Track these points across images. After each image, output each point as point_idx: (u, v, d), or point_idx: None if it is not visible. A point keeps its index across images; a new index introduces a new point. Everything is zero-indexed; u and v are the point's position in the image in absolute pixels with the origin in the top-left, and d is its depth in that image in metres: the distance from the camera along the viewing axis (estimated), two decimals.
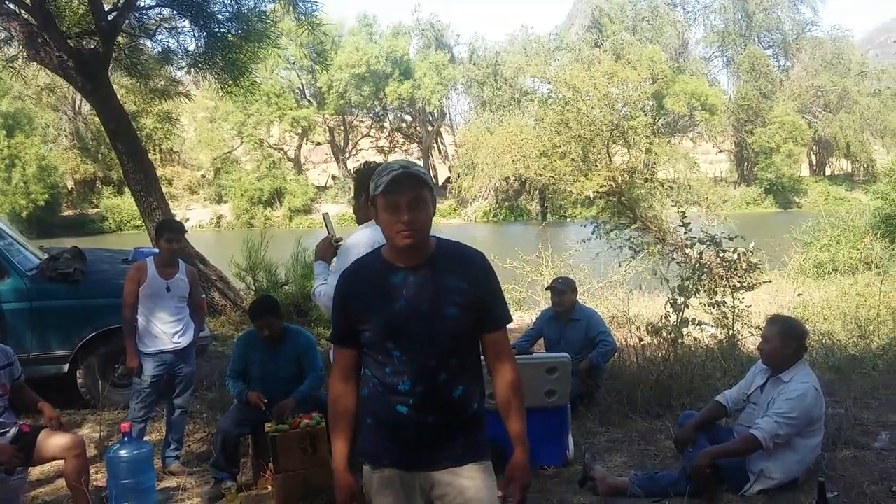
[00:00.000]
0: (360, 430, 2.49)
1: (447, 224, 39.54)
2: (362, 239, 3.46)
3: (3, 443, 4.15)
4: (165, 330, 5.15)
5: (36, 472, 4.92)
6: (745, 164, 47.96)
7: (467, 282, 2.38)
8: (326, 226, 3.91)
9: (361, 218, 3.69)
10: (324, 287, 3.52)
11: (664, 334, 6.45)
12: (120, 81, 13.57)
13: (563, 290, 6.21)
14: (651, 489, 4.22)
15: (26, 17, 9.10)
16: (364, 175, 3.61)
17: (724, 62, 53.21)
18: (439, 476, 2.38)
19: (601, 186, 14.45)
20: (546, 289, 6.35)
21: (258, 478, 4.73)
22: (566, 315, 6.18)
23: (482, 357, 2.50)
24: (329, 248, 3.76)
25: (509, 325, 2.53)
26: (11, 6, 9.07)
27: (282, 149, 46.08)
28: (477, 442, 2.44)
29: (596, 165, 14.92)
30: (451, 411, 2.39)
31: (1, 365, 4.30)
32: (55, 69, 9.43)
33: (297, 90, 45.54)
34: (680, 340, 6.45)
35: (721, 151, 49.89)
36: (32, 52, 9.25)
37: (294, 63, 43.71)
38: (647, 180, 15.86)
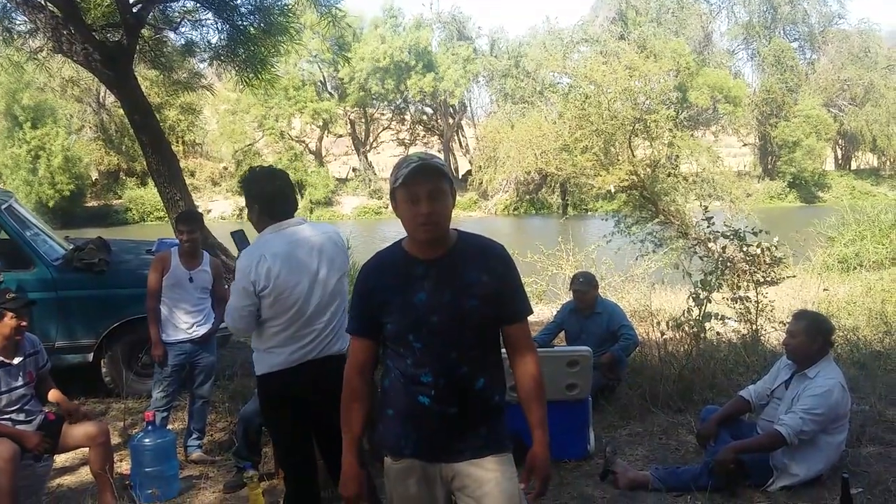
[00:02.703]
0: (382, 421, 2.51)
1: (468, 217, 39.51)
2: (250, 255, 3.32)
3: (30, 430, 4.21)
4: (187, 320, 5.20)
5: (60, 459, 4.98)
6: (769, 157, 47.46)
7: (488, 274, 2.38)
8: (237, 244, 3.69)
9: (257, 227, 3.49)
10: (227, 308, 3.39)
11: (686, 328, 6.40)
12: (144, 73, 13.62)
13: (585, 289, 6.15)
14: (673, 483, 4.21)
15: (52, 9, 9.18)
16: (249, 181, 3.50)
17: (748, 55, 52.60)
18: (460, 467, 2.39)
19: (623, 181, 14.36)
20: (575, 290, 6.25)
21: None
22: (588, 309, 6.15)
23: (503, 349, 2.50)
24: None
25: (530, 318, 2.52)
26: None
27: (303, 141, 46.21)
28: (498, 434, 2.44)
29: (618, 159, 14.83)
30: (473, 403, 2.39)
31: (27, 353, 4.36)
32: (81, 61, 9.49)
33: (318, 83, 45.64)
34: (702, 335, 6.39)
35: (745, 145, 49.41)
36: (58, 45, 9.33)
37: (316, 56, 43.79)
38: (669, 174, 15.74)
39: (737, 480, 4.10)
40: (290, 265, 3.30)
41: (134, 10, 9.41)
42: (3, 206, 6.65)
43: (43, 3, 9.16)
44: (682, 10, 48.47)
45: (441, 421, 2.37)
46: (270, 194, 3.41)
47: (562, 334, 6.49)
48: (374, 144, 48.67)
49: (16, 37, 10.49)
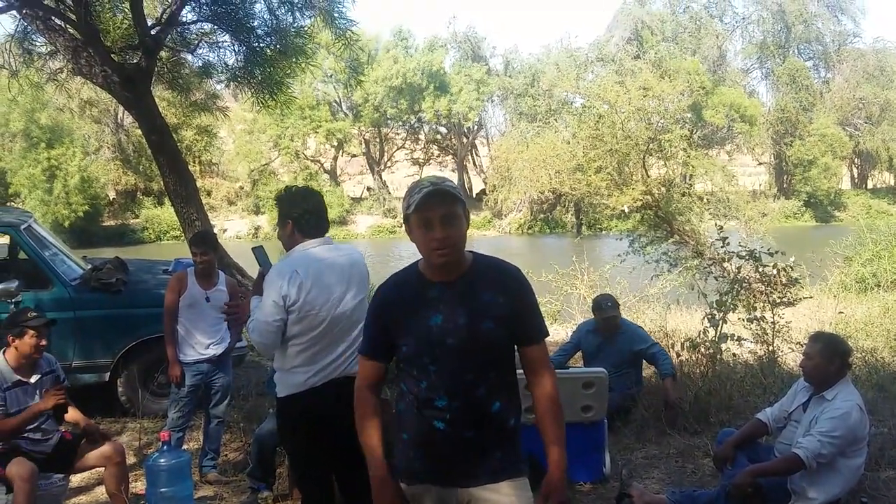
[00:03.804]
0: (396, 446, 2.51)
1: (482, 236, 39.51)
2: (282, 269, 3.36)
3: (46, 447, 4.23)
4: (203, 340, 5.22)
5: (76, 479, 5.00)
6: (785, 176, 47.29)
7: (503, 295, 2.38)
8: (258, 260, 3.71)
9: (287, 244, 3.51)
10: (251, 323, 3.40)
11: (702, 350, 6.37)
12: (161, 94, 13.79)
13: (614, 314, 6.05)
14: None
15: (72, 32, 9.32)
16: (285, 198, 3.52)
17: (762, 74, 52.56)
18: (476, 492, 2.38)
19: (637, 201, 14.33)
20: (605, 318, 6.10)
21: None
22: (612, 331, 6.05)
23: (521, 371, 2.50)
24: (263, 283, 3.59)
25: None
26: (57, 21, 9.29)
27: (318, 161, 46.48)
28: (514, 457, 2.43)
29: (632, 179, 14.81)
30: (489, 426, 2.39)
31: (44, 372, 4.39)
32: (100, 83, 9.63)
33: (333, 102, 45.95)
34: (718, 356, 6.36)
35: (760, 164, 49.24)
36: (77, 66, 9.47)
37: (331, 76, 44.14)
38: (684, 194, 15.69)
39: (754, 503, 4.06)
40: (321, 283, 3.35)
41: (152, 32, 9.55)
42: (23, 227, 6.72)
43: (63, 25, 9.31)
44: (699, 29, 48.51)
45: (456, 445, 2.37)
46: (305, 212, 3.46)
47: (576, 354, 6.45)
48: (389, 164, 48.87)
49: (35, 58, 10.67)
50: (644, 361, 6.18)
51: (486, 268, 2.43)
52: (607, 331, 6.05)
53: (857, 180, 52.26)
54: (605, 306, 6.06)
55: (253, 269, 3.74)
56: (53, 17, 9.24)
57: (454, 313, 2.35)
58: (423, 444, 2.41)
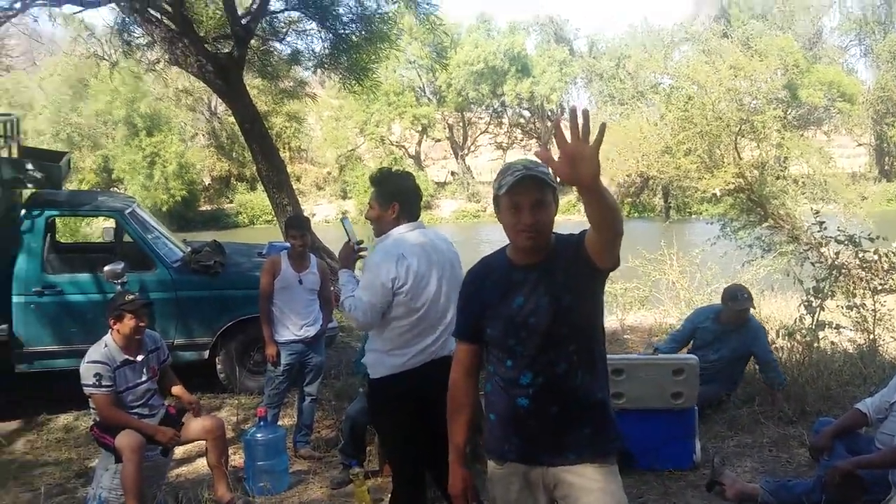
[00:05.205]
0: (485, 426, 2.55)
1: (566, 220, 39.12)
2: (388, 252, 3.38)
3: (165, 427, 4.46)
4: (297, 321, 5.37)
5: (179, 451, 5.23)
6: (886, 158, 45.02)
7: (573, 265, 2.35)
8: (346, 231, 3.70)
9: (384, 227, 3.48)
10: (351, 300, 3.38)
11: (798, 337, 6.17)
12: (251, 82, 14.20)
13: (748, 306, 5.68)
14: (784, 497, 4.07)
15: (167, 23, 9.69)
16: (389, 178, 3.53)
17: (861, 51, 50.09)
18: (561, 475, 2.39)
19: (728, 184, 13.94)
20: (738, 310, 5.66)
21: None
22: (738, 323, 5.70)
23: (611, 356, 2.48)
24: (352, 254, 3.62)
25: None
26: (153, 13, 9.67)
27: (403, 146, 46.87)
28: (604, 435, 2.42)
29: (723, 161, 14.41)
30: (573, 400, 2.40)
31: (149, 349, 4.60)
32: (195, 72, 10.00)
33: (417, 88, 46.23)
34: (815, 344, 6.15)
35: (859, 145, 47.04)
36: (173, 57, 9.85)
37: (415, 62, 44.39)
38: (778, 177, 15.16)
39: (853, 495, 3.93)
40: (425, 265, 3.39)
41: (243, 21, 9.84)
42: (127, 211, 7.04)
43: (159, 17, 9.69)
44: (789, 4, 46.48)
45: (542, 422, 2.39)
46: (411, 191, 3.50)
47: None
48: (472, 148, 48.86)
49: (135, 49, 11.15)
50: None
51: (565, 245, 2.42)
52: (732, 323, 5.70)
53: None
54: (740, 297, 5.69)
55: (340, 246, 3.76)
56: (150, 9, 9.62)
57: (536, 294, 2.37)
58: (510, 423, 2.44)
